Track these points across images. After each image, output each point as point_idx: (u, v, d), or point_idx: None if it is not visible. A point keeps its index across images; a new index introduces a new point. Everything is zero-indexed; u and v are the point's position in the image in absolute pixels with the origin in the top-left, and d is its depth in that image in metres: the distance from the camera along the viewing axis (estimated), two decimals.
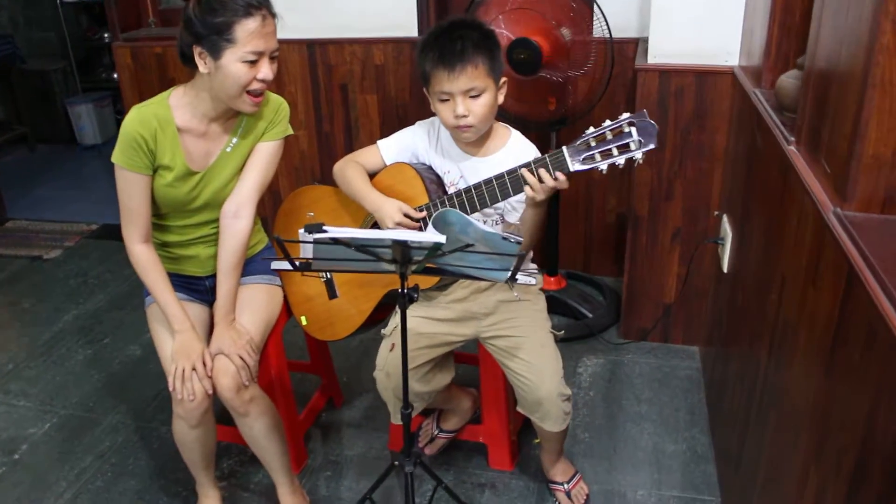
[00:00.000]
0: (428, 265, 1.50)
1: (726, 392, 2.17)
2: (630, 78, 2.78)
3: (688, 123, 2.48)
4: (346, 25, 3.14)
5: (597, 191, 3.19)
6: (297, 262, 1.49)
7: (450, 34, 1.75)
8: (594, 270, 3.33)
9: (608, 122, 1.66)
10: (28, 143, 5.73)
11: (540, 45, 2.49)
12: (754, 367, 1.76)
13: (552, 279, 3.03)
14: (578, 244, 3.30)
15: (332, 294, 2.05)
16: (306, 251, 1.46)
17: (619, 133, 1.66)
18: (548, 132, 2.78)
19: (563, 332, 1.99)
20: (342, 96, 3.28)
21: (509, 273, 1.47)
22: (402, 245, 1.33)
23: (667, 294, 2.75)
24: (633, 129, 1.64)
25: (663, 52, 2.43)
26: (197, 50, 1.73)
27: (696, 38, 2.39)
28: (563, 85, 2.63)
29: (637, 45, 2.79)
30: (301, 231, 1.35)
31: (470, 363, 2.35)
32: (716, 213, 2.55)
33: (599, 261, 3.32)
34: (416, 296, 1.55)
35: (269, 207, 3.36)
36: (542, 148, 1.94)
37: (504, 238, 1.33)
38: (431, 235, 1.30)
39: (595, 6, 2.55)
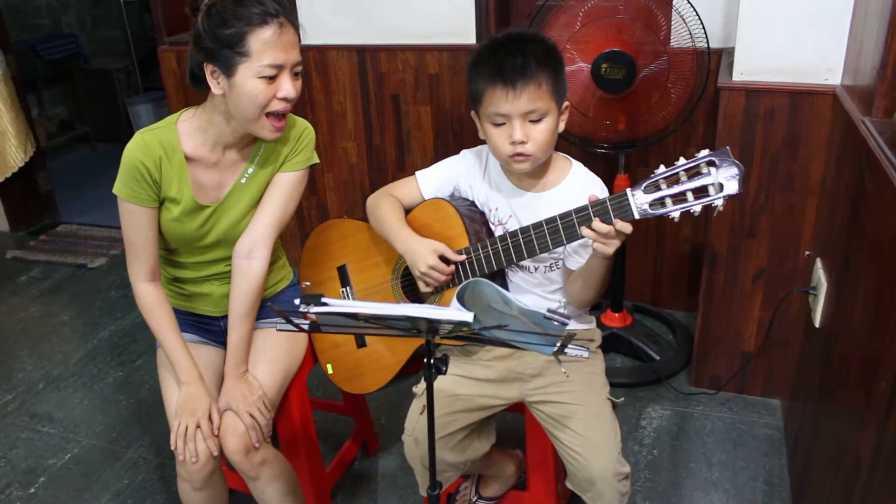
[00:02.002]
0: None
1: (814, 461, 1.85)
2: (711, 95, 2.46)
3: (777, 151, 2.15)
4: (399, 30, 2.91)
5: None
6: (304, 325, 1.26)
7: (508, 47, 1.50)
8: (664, 304, 3.02)
9: (683, 161, 1.38)
10: (90, 142, 5.71)
11: (634, 57, 2.20)
12: (856, 440, 1.45)
13: (616, 315, 2.73)
14: (647, 275, 2.99)
15: (360, 342, 1.82)
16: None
17: (695, 174, 1.37)
18: (615, 154, 2.48)
19: (622, 399, 1.71)
20: (394, 107, 3.05)
21: (555, 347, 1.21)
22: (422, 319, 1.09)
23: (745, 341, 2.42)
24: (714, 171, 1.35)
25: (752, 67, 2.11)
26: (209, 68, 1.53)
27: (792, 52, 2.06)
28: (640, 103, 2.33)
29: (720, 57, 2.47)
30: (296, 301, 1.12)
31: (514, 410, 2.09)
32: (807, 253, 2.22)
33: (671, 294, 3.00)
34: (444, 368, 1.30)
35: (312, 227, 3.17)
36: (607, 174, 1.67)
37: (547, 318, 1.06)
38: (455, 312, 1.04)
39: (677, 10, 2.24)
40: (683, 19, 2.23)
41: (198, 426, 1.60)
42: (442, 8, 2.82)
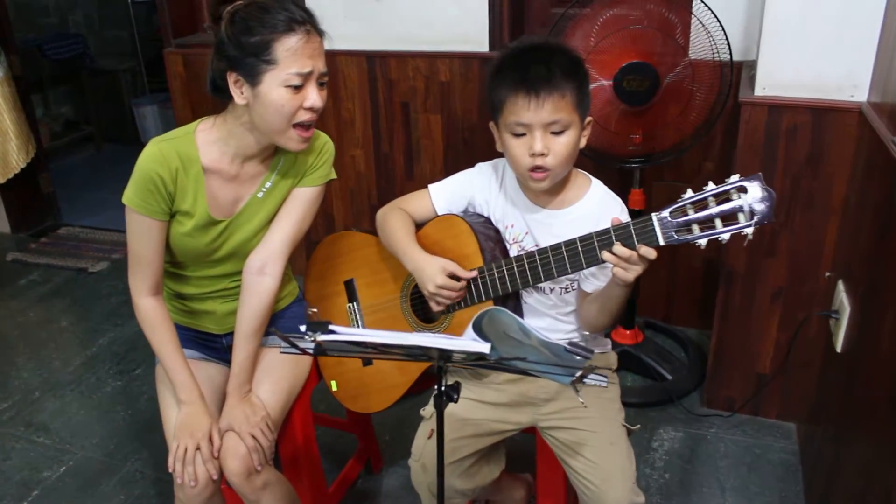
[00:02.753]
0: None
1: (836, 491, 1.78)
2: (730, 109, 2.39)
3: (799, 168, 2.09)
4: (410, 36, 2.85)
5: None
6: (309, 349, 1.20)
7: (533, 56, 1.44)
8: (676, 321, 2.95)
9: (712, 186, 1.31)
10: (95, 143, 5.66)
11: (656, 67, 2.14)
12: (885, 474, 1.38)
13: (628, 332, 2.66)
14: (660, 291, 2.92)
15: (366, 360, 1.76)
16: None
17: (725, 200, 1.31)
18: (629, 169, 2.42)
19: (638, 426, 1.65)
20: (403, 115, 2.99)
21: (573, 377, 1.15)
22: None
23: (761, 362, 2.36)
24: (744, 197, 1.29)
25: (775, 82, 2.04)
26: (232, 77, 1.47)
27: (816, 67, 1.99)
28: (659, 116, 2.27)
29: (740, 69, 2.40)
30: (301, 328, 1.05)
31: (523, 431, 2.02)
32: (828, 274, 2.15)
33: (683, 310, 2.93)
34: (455, 396, 1.23)
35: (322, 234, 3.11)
36: (621, 189, 1.61)
37: (569, 351, 1.00)
38: (472, 343, 0.98)
39: (699, 20, 2.17)
40: (707, 29, 2.16)
41: (197, 448, 1.54)
42: (455, 14, 2.76)
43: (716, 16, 2.16)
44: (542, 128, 1.42)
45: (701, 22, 2.18)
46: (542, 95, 1.40)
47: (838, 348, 1.91)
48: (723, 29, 2.16)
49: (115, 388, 2.73)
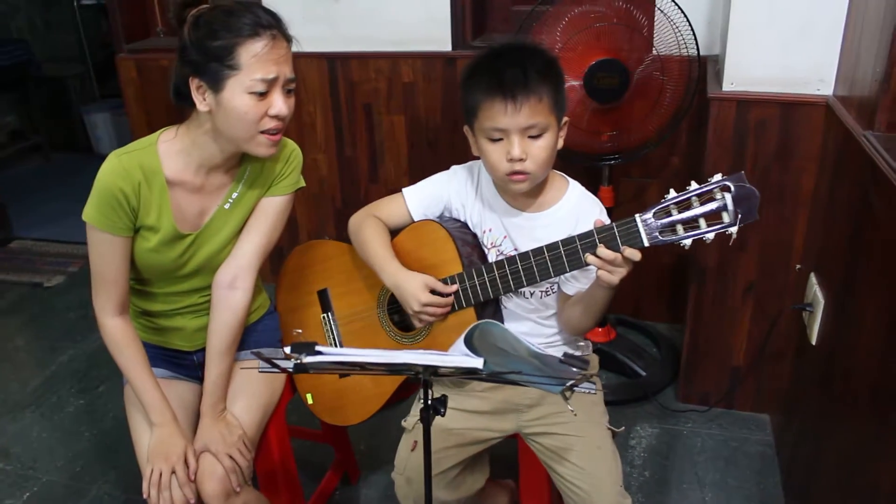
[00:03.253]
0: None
1: (817, 483, 1.79)
2: (695, 105, 2.39)
3: (768, 162, 2.10)
4: (371, 37, 2.81)
5: None
6: (289, 367, 1.15)
7: (507, 58, 1.41)
8: (646, 315, 2.95)
9: (695, 186, 1.30)
10: (43, 153, 5.48)
11: (625, 63, 2.13)
12: (871, 467, 1.39)
13: (600, 330, 2.66)
14: (627, 286, 2.88)
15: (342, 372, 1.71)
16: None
17: (708, 200, 1.30)
18: (599, 167, 2.41)
19: (622, 427, 1.63)
20: (366, 117, 2.94)
21: (564, 386, 1.12)
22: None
23: (735, 356, 2.37)
24: (728, 197, 1.28)
25: (742, 78, 2.05)
26: (194, 83, 1.40)
27: (783, 60, 2.00)
28: (629, 113, 2.26)
29: (699, 63, 2.38)
30: (286, 350, 1.01)
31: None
32: (798, 266, 2.17)
33: (652, 305, 2.94)
34: (442, 410, 1.20)
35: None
36: (589, 187, 1.59)
37: (563, 362, 0.97)
38: (464, 359, 0.95)
39: (666, 15, 2.17)
40: (673, 24, 2.16)
41: (173, 472, 1.48)
42: (416, 14, 2.73)
43: (682, 10, 2.15)
44: (520, 132, 1.39)
45: (666, 16, 2.17)
46: (518, 100, 1.37)
47: (813, 341, 1.92)
48: (689, 23, 2.16)
49: (78, 407, 2.64)
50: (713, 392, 2.44)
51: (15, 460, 2.39)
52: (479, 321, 1.00)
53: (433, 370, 1.08)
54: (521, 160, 1.40)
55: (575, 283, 1.52)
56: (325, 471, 2.14)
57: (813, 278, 1.98)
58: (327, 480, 2.08)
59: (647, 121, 2.28)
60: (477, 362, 0.94)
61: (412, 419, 1.60)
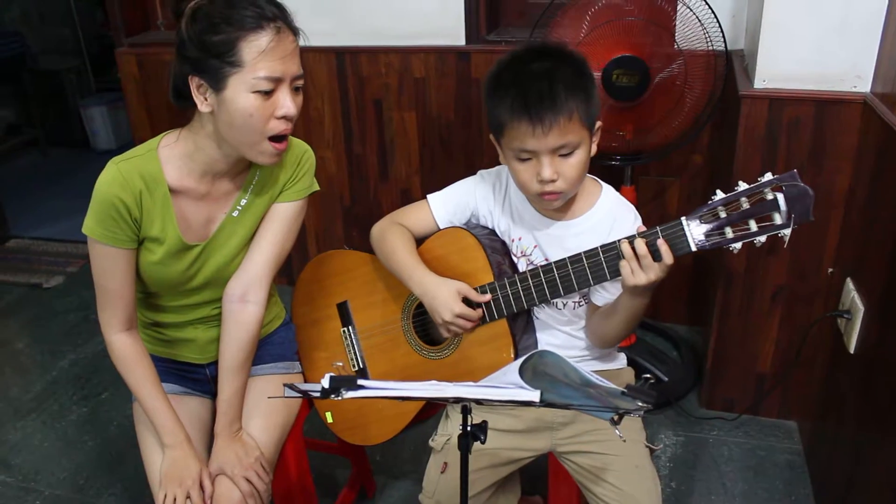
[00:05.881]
0: None
1: (858, 498, 1.72)
2: (723, 101, 2.30)
3: (801, 162, 2.01)
4: (381, 31, 2.71)
5: (668, 222, 2.71)
6: (317, 394, 1.06)
7: (532, 68, 1.31)
8: (664, 317, 2.87)
9: (744, 185, 1.22)
10: (40, 148, 5.37)
11: (648, 62, 2.04)
12: None
13: None
14: None
15: None
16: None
17: (759, 201, 1.22)
18: (620, 167, 2.32)
19: (661, 445, 1.55)
20: (376, 113, 2.85)
21: (615, 414, 1.04)
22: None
23: (762, 362, 2.29)
24: (780, 197, 1.20)
25: (775, 74, 1.96)
26: (194, 81, 1.29)
27: (818, 58, 1.91)
28: (652, 111, 2.17)
29: (727, 59, 2.29)
30: (326, 378, 0.92)
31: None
32: (830, 270, 2.09)
33: (671, 306, 2.86)
34: (482, 437, 1.12)
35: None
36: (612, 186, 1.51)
37: (625, 394, 0.89)
38: (521, 392, 0.86)
39: (690, 8, 2.07)
40: (699, 19, 2.07)
41: (187, 496, 1.39)
42: (428, 7, 2.63)
43: (709, 5, 2.07)
44: (550, 153, 1.31)
45: (692, 10, 2.09)
46: (546, 121, 1.28)
47: (851, 349, 1.84)
48: (716, 17, 2.07)
49: (81, 415, 2.55)
50: (738, 398, 2.36)
51: (16, 472, 2.30)
52: (538, 350, 0.92)
53: (477, 399, 1.00)
54: (551, 181, 1.31)
55: (604, 294, 1.44)
56: (338, 483, 2.06)
57: (849, 283, 1.90)
58: (344, 496, 2.00)
59: (671, 118, 2.20)
60: (533, 395, 0.86)
61: (441, 439, 1.52)
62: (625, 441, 1.41)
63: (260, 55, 1.26)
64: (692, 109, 2.16)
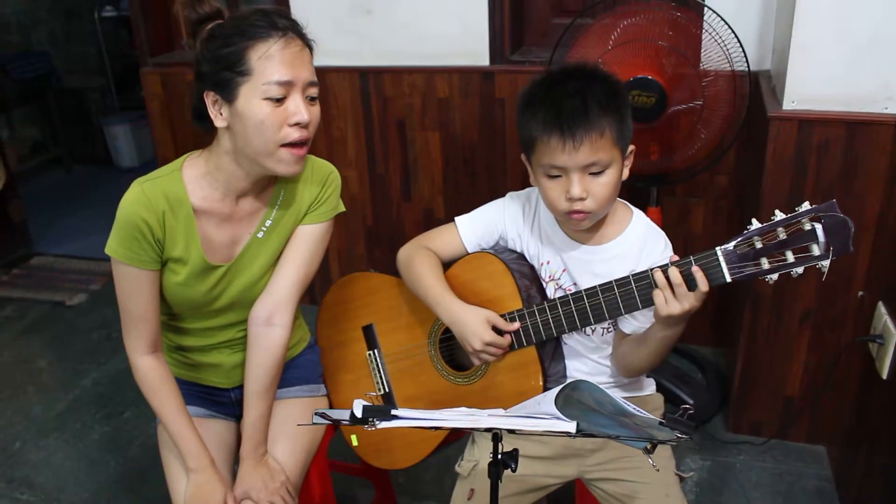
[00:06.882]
0: None
1: None
2: (748, 122, 2.28)
3: (830, 184, 1.99)
4: (405, 51, 2.72)
5: (693, 244, 2.70)
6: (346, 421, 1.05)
7: (566, 87, 1.31)
8: (688, 338, 2.84)
9: (780, 215, 1.20)
10: (64, 165, 5.43)
11: (663, 84, 2.03)
12: None
13: None
14: None
15: None
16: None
17: (796, 231, 1.20)
18: (646, 188, 2.31)
19: (692, 473, 1.52)
20: (399, 133, 2.85)
21: (648, 444, 1.02)
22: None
23: (790, 385, 2.25)
24: (819, 228, 1.18)
25: (805, 96, 1.94)
26: (210, 98, 1.30)
27: (848, 79, 1.90)
28: (674, 131, 2.16)
29: (750, 78, 2.26)
30: (358, 406, 0.91)
31: None
32: (860, 293, 2.06)
33: (694, 327, 2.82)
34: (513, 465, 1.10)
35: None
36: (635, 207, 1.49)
37: (663, 424, 0.87)
38: (558, 423, 0.85)
39: (712, 29, 2.06)
40: (721, 40, 2.06)
41: None
42: (452, 27, 2.64)
43: (729, 26, 2.05)
44: (580, 170, 1.30)
45: (715, 29, 2.07)
46: (578, 136, 1.27)
47: (884, 374, 1.81)
48: (738, 40, 2.06)
49: (104, 434, 2.55)
50: (765, 422, 2.33)
51: (39, 491, 2.30)
52: (574, 380, 0.90)
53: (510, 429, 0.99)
54: (581, 199, 1.30)
55: (632, 322, 1.42)
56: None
57: (882, 308, 1.87)
58: None
59: (693, 139, 2.18)
60: (569, 426, 0.84)
61: (468, 465, 1.50)
62: (657, 470, 1.39)
63: (267, 60, 1.26)
64: (717, 130, 2.14)
